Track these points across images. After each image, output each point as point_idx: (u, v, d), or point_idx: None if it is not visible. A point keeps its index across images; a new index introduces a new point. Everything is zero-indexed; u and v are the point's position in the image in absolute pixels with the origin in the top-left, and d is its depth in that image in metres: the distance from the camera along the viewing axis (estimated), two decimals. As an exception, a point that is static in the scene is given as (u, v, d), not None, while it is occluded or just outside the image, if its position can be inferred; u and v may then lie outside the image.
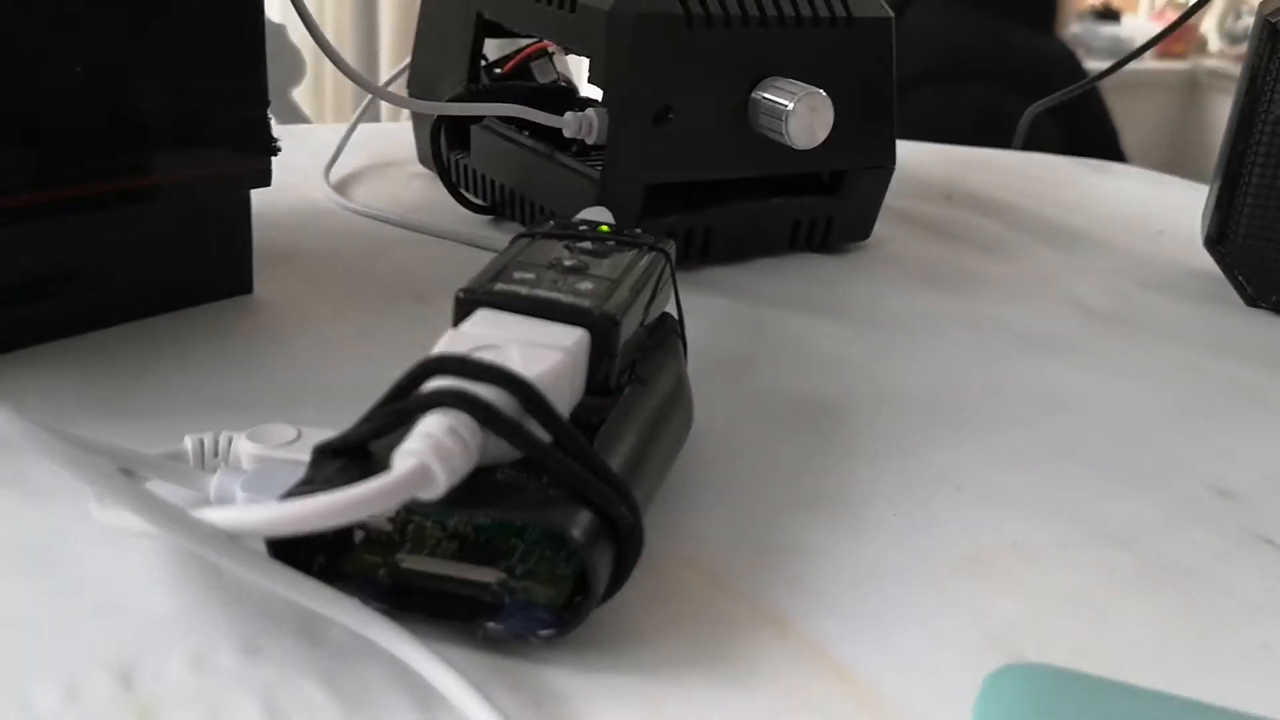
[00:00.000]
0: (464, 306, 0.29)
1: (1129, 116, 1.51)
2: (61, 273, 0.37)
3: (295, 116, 1.81)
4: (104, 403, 0.35)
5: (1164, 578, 0.30)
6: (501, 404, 0.25)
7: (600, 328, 0.28)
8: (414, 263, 0.49)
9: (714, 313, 0.46)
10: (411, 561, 0.26)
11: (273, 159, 0.40)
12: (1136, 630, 0.28)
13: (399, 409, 0.25)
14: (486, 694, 0.23)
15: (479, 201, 0.56)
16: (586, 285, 0.30)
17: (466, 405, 0.24)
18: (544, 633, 0.25)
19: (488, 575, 0.26)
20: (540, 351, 0.27)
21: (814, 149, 0.48)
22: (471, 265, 0.48)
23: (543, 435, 0.25)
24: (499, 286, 0.29)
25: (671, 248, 0.34)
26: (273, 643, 0.25)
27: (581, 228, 0.34)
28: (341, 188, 0.58)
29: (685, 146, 0.48)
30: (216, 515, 0.23)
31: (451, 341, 0.27)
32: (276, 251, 0.46)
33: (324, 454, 0.26)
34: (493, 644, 0.25)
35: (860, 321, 0.47)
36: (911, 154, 0.72)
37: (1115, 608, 0.29)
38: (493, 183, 0.55)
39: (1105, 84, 1.20)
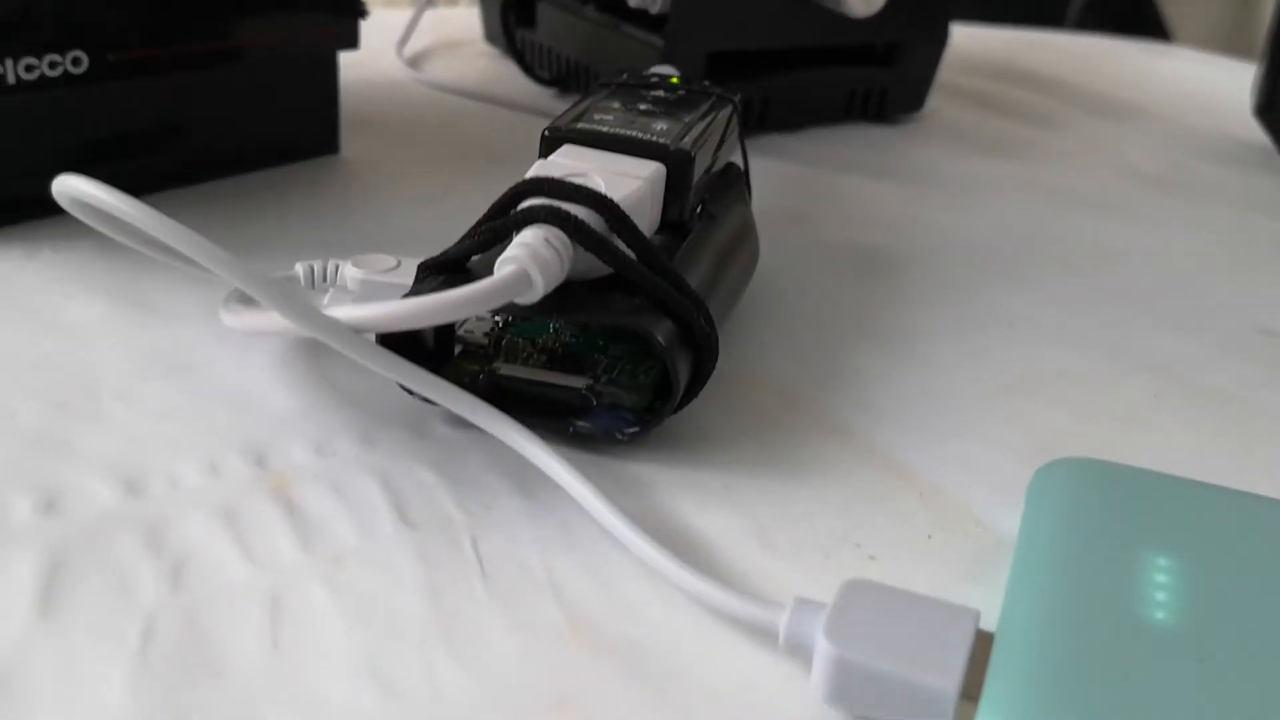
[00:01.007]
0: (550, 143, 0.31)
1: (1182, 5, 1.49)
2: (165, 127, 0.39)
3: None
4: (215, 241, 0.37)
5: (1206, 401, 0.32)
6: (590, 221, 0.27)
7: (675, 162, 0.31)
8: (487, 130, 0.51)
9: (773, 175, 0.48)
10: (507, 369, 0.28)
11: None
12: (1179, 442, 0.30)
13: (497, 225, 0.27)
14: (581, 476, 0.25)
15: (545, 75, 0.58)
16: (661, 125, 0.32)
17: (559, 220, 0.27)
18: (629, 430, 0.27)
19: (576, 381, 0.28)
20: (622, 180, 0.29)
21: (869, 19, 0.50)
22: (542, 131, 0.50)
23: (627, 252, 0.28)
24: (581, 125, 0.32)
25: (738, 98, 0.36)
26: (386, 435, 0.28)
27: (654, 79, 0.36)
28: (413, 64, 0.60)
29: (745, 15, 0.50)
30: (340, 311, 0.25)
31: (541, 169, 0.29)
32: (358, 119, 0.48)
33: (427, 270, 0.28)
34: (580, 441, 0.28)
35: (916, 183, 0.49)
36: (964, 35, 0.73)
37: (1158, 423, 0.31)
38: (559, 56, 0.56)
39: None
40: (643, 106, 0.33)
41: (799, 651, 0.21)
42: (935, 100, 0.59)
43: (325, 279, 0.32)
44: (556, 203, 0.27)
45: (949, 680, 0.19)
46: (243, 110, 0.41)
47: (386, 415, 0.28)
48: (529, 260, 0.25)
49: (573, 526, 0.25)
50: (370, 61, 0.56)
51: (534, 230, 0.26)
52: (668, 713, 0.20)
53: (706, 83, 0.37)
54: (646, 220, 0.30)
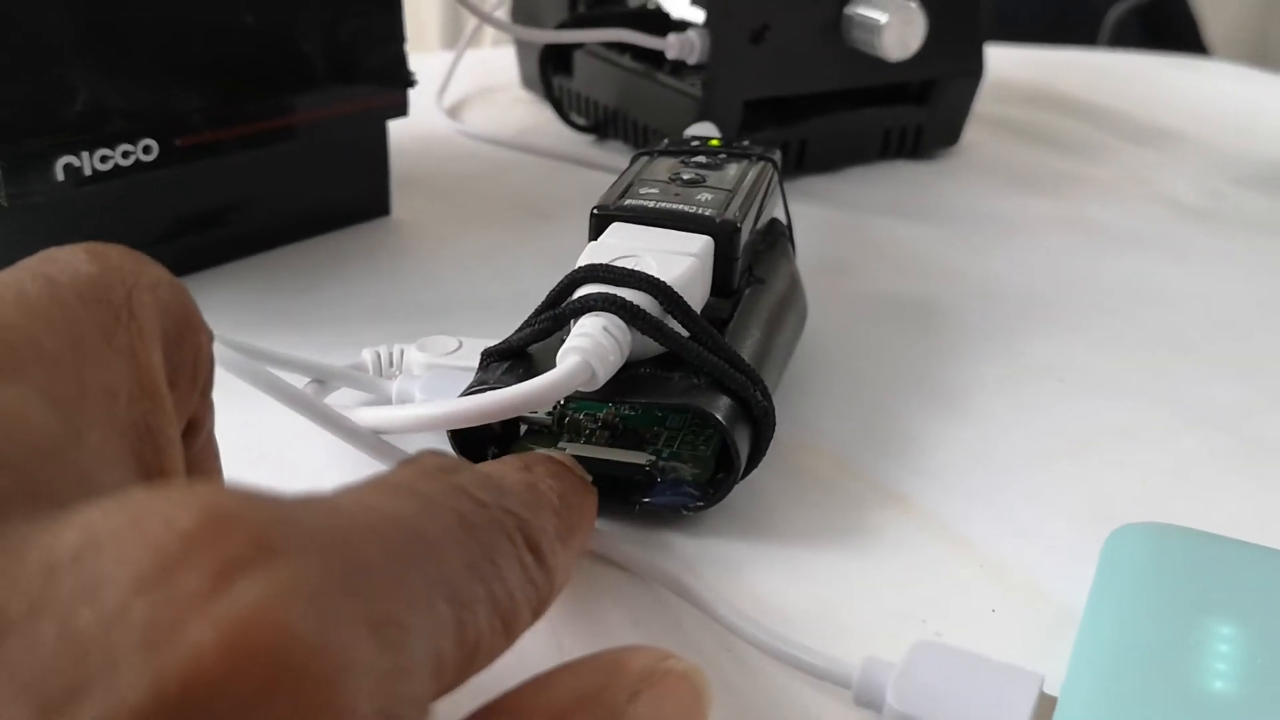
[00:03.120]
0: (599, 222, 0.32)
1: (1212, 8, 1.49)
2: (230, 203, 0.41)
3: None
4: (281, 315, 0.38)
5: (1267, 457, 0.33)
6: (645, 305, 0.28)
7: (723, 233, 0.31)
8: (530, 182, 0.52)
9: (813, 220, 0.49)
10: (572, 448, 0.29)
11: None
12: (1243, 504, 0.30)
13: (556, 314, 0.28)
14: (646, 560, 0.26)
15: (583, 122, 0.59)
16: (705, 196, 0.33)
17: (615, 307, 0.27)
18: (693, 505, 0.28)
19: (639, 457, 0.29)
20: (672, 258, 0.30)
21: (905, 60, 0.50)
22: (582, 182, 0.51)
23: (681, 332, 0.28)
24: (628, 202, 0.32)
25: (777, 156, 0.37)
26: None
27: (694, 143, 0.37)
28: (453, 113, 0.62)
29: (782, 62, 0.50)
30: (413, 411, 0.26)
31: (593, 253, 0.30)
32: (405, 176, 0.49)
33: (490, 357, 0.29)
34: (646, 518, 0.29)
35: (955, 223, 0.49)
36: (997, 57, 0.73)
37: (1220, 483, 0.31)
38: (596, 104, 0.57)
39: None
40: (686, 176, 0.34)
41: (869, 707, 0.22)
42: (971, 132, 0.59)
43: (391, 363, 0.33)
44: (611, 289, 0.28)
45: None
46: (299, 182, 0.42)
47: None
48: (589, 352, 0.26)
49: (642, 592, 0.26)
50: (412, 112, 0.57)
51: (592, 319, 0.27)
52: None
53: (746, 142, 0.38)
54: (698, 293, 0.30)
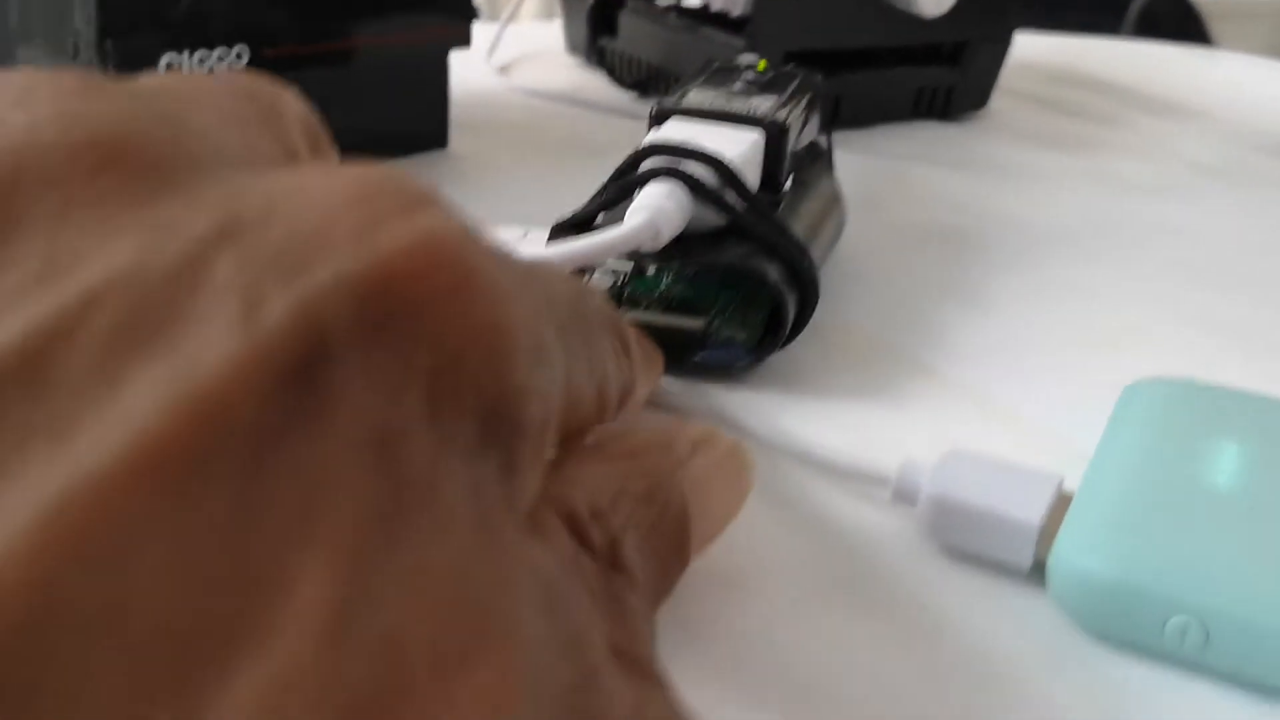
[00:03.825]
0: (657, 118, 0.35)
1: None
2: (306, 118, 0.43)
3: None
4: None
5: (1277, 357, 0.35)
6: (704, 177, 0.30)
7: (773, 131, 0.34)
8: (580, 128, 0.55)
9: (846, 165, 0.51)
10: (631, 314, 0.32)
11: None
12: (1257, 382, 0.33)
13: (622, 184, 0.31)
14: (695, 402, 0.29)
15: (628, 80, 0.62)
16: (755, 101, 0.36)
17: (679, 177, 0.30)
18: (743, 361, 0.31)
19: (694, 321, 0.32)
20: (728, 144, 0.32)
21: (938, 20, 0.53)
22: (631, 128, 0.54)
23: (738, 205, 0.31)
24: (684, 103, 0.35)
25: (820, 81, 0.40)
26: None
27: (743, 63, 0.40)
28: (504, 71, 0.65)
29: (822, 17, 0.53)
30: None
31: (657, 135, 0.33)
32: (458, 121, 0.52)
33: (559, 230, 0.32)
34: (699, 372, 0.31)
35: (983, 173, 0.52)
36: (1024, 44, 0.76)
37: (1230, 373, 0.33)
38: (641, 62, 0.60)
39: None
40: (736, 87, 0.37)
41: (906, 502, 0.25)
42: (998, 101, 0.62)
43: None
44: (675, 161, 0.31)
45: (1033, 516, 0.23)
46: (365, 106, 0.45)
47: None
48: (655, 211, 0.29)
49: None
50: (462, 70, 0.60)
51: (656, 185, 0.30)
52: (797, 541, 0.24)
53: (792, 66, 0.40)
54: (750, 181, 0.33)
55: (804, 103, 0.38)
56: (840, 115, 0.56)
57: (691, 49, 0.56)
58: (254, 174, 0.14)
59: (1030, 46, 0.77)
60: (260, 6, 0.39)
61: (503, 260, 0.15)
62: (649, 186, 0.30)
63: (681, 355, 0.31)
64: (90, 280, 0.12)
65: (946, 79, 0.59)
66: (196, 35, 0.38)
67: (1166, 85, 0.72)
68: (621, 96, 0.61)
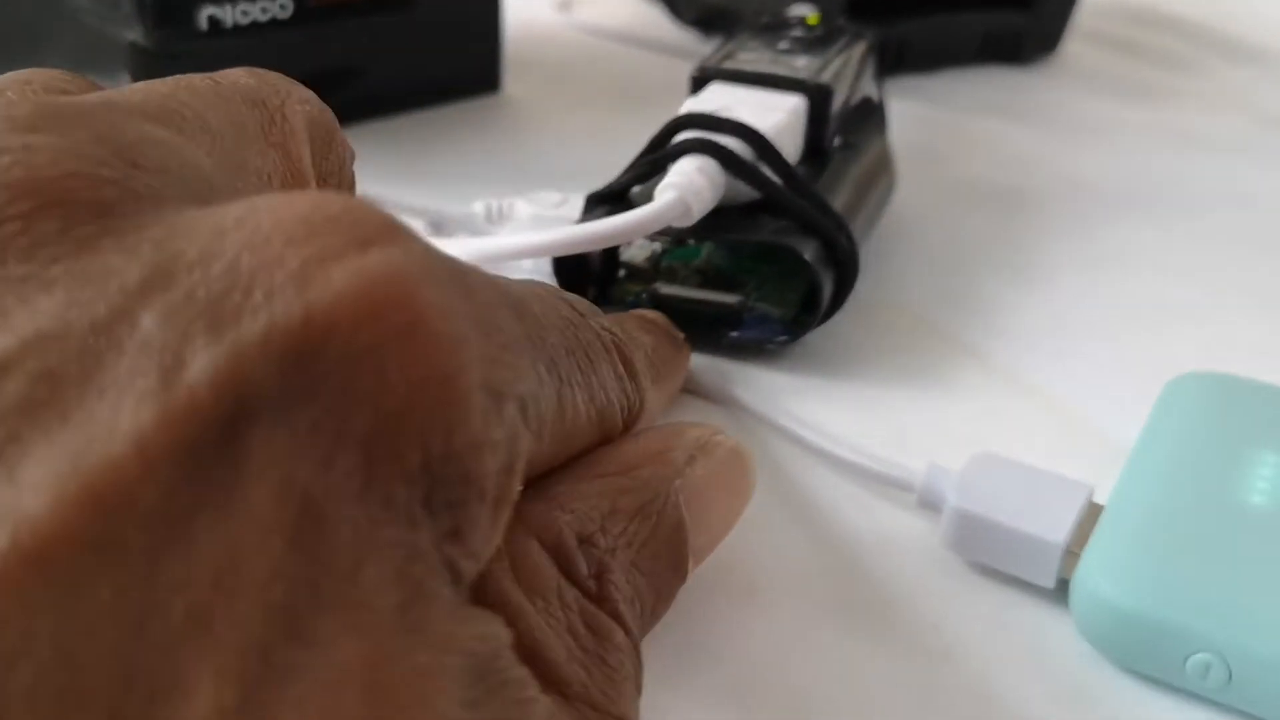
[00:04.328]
0: (698, 81, 0.34)
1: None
2: (354, 66, 0.43)
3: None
4: (397, 172, 0.41)
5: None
6: (739, 150, 0.29)
7: (816, 95, 0.33)
8: (636, 72, 0.54)
9: (908, 116, 0.50)
10: (666, 288, 0.31)
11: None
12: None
13: (655, 158, 0.30)
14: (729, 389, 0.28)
15: (690, 16, 0.60)
16: (801, 62, 0.34)
17: (711, 150, 0.29)
18: (779, 339, 0.30)
19: (729, 297, 0.31)
20: (767, 113, 0.31)
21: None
22: (687, 73, 0.53)
23: (773, 178, 0.30)
24: (727, 64, 0.34)
25: (874, 36, 0.38)
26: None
27: (793, 19, 0.39)
28: (564, 6, 0.63)
29: (884, -42, 0.51)
30: (519, 239, 0.29)
31: (692, 105, 0.32)
32: (514, 61, 0.51)
33: (594, 201, 0.31)
34: (733, 350, 0.30)
35: (1047, 125, 0.50)
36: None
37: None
38: (701, 1, 0.59)
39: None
40: (783, 46, 0.36)
41: (931, 509, 0.24)
42: (1071, 43, 0.59)
43: (501, 214, 0.35)
44: (708, 135, 0.30)
45: (1058, 534, 0.22)
46: (415, 52, 0.45)
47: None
48: (685, 187, 0.28)
49: (727, 415, 0.28)
50: (523, 5, 0.59)
51: (688, 160, 0.29)
52: (814, 551, 0.24)
53: (843, 21, 0.39)
54: (790, 149, 0.32)
55: (855, 59, 0.36)
56: (905, 61, 0.54)
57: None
58: (212, 206, 0.14)
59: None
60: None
61: (476, 293, 0.15)
62: (681, 161, 0.29)
63: (716, 331, 0.30)
64: (7, 345, 0.12)
65: (1016, 23, 0.56)
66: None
67: (1254, 26, 0.69)
68: (683, 35, 0.60)
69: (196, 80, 0.18)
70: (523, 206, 0.34)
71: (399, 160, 0.42)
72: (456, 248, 0.30)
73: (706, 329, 0.30)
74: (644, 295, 0.31)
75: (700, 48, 0.57)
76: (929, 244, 0.38)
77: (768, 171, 0.30)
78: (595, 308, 0.21)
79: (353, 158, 0.22)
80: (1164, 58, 0.62)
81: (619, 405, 0.20)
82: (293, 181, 0.18)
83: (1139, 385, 0.30)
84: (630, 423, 0.21)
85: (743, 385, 0.29)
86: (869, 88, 0.39)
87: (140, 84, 0.17)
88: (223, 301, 0.12)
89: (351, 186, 0.22)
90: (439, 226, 0.34)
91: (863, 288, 0.34)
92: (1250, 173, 0.46)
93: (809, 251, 0.29)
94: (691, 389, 0.29)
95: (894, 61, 0.54)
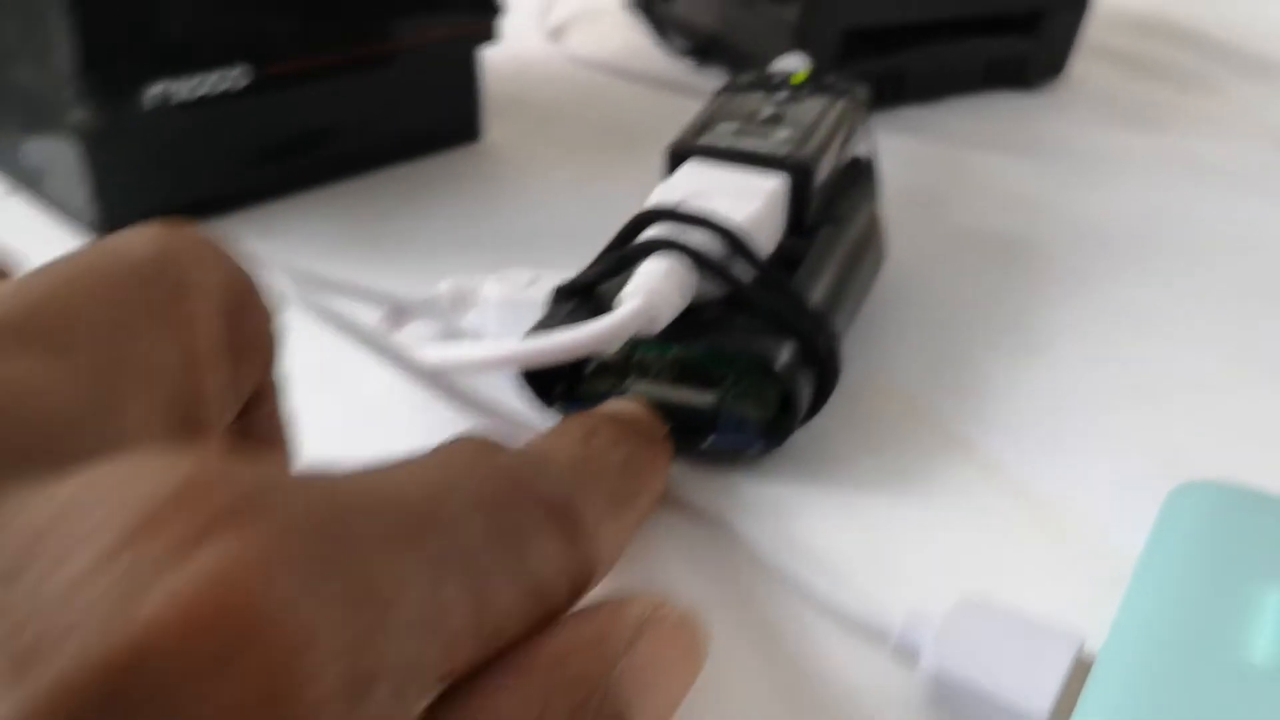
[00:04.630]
0: (674, 158, 0.32)
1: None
2: (319, 130, 0.41)
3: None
4: (367, 241, 0.39)
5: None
6: (710, 247, 0.28)
7: (797, 173, 0.31)
8: (626, 108, 0.52)
9: (907, 153, 0.48)
10: (638, 386, 0.30)
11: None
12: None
13: (621, 255, 0.28)
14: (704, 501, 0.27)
15: (683, 47, 0.58)
16: (783, 134, 0.33)
17: (679, 250, 0.27)
18: (755, 448, 0.28)
19: (705, 397, 0.29)
20: (743, 198, 0.30)
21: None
22: (678, 109, 0.51)
23: (748, 274, 0.28)
24: (704, 139, 0.32)
25: (864, 91, 0.36)
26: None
27: (777, 78, 0.37)
28: (556, 34, 0.62)
29: (881, -10, 0.49)
30: (472, 351, 0.27)
31: (664, 192, 0.30)
32: (501, 99, 0.50)
33: (559, 295, 0.29)
34: (710, 457, 0.29)
35: (1052, 159, 0.48)
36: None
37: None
38: (696, 28, 0.57)
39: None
40: (765, 113, 0.34)
41: (907, 658, 0.22)
42: (1079, 62, 0.57)
43: (466, 297, 0.33)
44: (677, 230, 0.28)
45: (1041, 705, 0.20)
46: (390, 109, 0.43)
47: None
48: (651, 294, 0.26)
49: (700, 534, 0.26)
50: (513, 34, 0.57)
51: (655, 261, 0.27)
52: (780, 703, 0.22)
53: (832, 77, 0.37)
54: (769, 234, 0.30)
55: (845, 119, 0.35)
56: (905, 92, 0.53)
57: (746, 20, 0.53)
58: (44, 484, 0.12)
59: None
60: (259, 21, 0.37)
61: (348, 552, 0.13)
62: (648, 263, 0.27)
63: (691, 436, 0.29)
64: None
65: (1020, 48, 0.54)
66: (189, 57, 0.35)
67: (1264, 33, 0.66)
68: (676, 66, 0.58)
69: (88, 260, 0.17)
70: (491, 287, 0.33)
71: (367, 227, 0.40)
72: (406, 363, 0.29)
73: (680, 433, 0.29)
74: (614, 395, 0.30)
75: (693, 79, 0.56)
76: (921, 310, 0.36)
77: (742, 268, 0.28)
78: (541, 465, 0.20)
79: (273, 318, 0.20)
80: (1175, 74, 0.59)
81: (563, 576, 0.18)
82: (190, 376, 0.17)
83: (1136, 481, 0.29)
84: (579, 591, 0.19)
85: (718, 495, 0.28)
86: (860, 145, 0.37)
87: (15, 283, 0.16)
88: (18, 639, 0.11)
89: (272, 351, 0.20)
90: (398, 315, 0.32)
91: (850, 368, 0.32)
92: (1260, 208, 0.44)
93: (783, 358, 0.27)
94: (670, 498, 0.27)
95: (893, 93, 0.52)
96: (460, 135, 0.46)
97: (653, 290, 0.27)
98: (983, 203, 0.44)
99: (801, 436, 0.29)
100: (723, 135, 0.32)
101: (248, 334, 0.19)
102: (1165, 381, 0.33)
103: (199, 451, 0.13)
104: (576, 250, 0.31)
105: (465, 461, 0.18)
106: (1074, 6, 0.54)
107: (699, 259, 0.27)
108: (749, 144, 0.32)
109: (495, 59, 0.46)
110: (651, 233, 0.28)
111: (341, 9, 0.39)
